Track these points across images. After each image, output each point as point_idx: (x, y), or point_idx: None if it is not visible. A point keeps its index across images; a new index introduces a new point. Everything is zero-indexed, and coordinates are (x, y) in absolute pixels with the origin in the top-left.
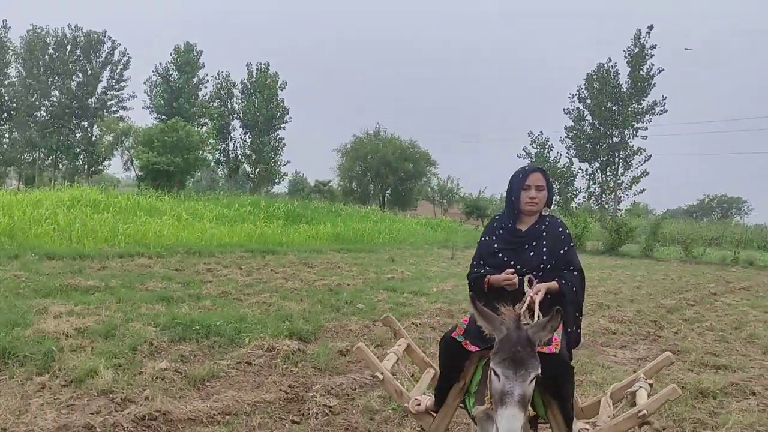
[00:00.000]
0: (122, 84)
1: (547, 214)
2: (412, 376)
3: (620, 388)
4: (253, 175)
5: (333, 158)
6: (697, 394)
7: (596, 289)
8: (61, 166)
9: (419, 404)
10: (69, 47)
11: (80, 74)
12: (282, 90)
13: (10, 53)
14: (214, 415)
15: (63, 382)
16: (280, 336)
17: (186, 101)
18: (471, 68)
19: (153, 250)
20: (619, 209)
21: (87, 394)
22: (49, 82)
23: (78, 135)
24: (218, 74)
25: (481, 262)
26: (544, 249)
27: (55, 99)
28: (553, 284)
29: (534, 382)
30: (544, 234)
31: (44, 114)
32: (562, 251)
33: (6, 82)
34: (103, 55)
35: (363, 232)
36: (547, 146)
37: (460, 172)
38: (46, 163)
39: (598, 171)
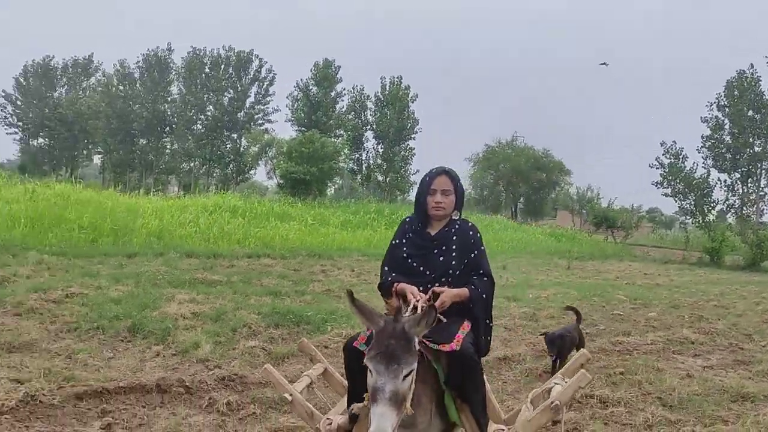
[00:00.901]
0: (267, 99)
1: (457, 218)
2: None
3: (540, 393)
4: (384, 184)
5: (465, 167)
6: (737, 398)
7: (707, 303)
8: (214, 174)
9: (330, 423)
10: (222, 66)
11: (231, 90)
12: (413, 102)
13: (173, 73)
14: None
15: (173, 351)
16: (357, 326)
17: (324, 114)
18: (605, 76)
19: (278, 252)
20: (762, 222)
21: (188, 361)
22: (205, 98)
23: (228, 146)
24: (353, 88)
25: (387, 269)
26: (454, 254)
27: (209, 113)
28: (463, 291)
29: (409, 378)
30: (454, 239)
31: (200, 127)
32: (472, 255)
33: (169, 99)
34: (252, 73)
35: (485, 241)
36: (681, 156)
37: (594, 182)
38: (201, 171)
39: (738, 182)
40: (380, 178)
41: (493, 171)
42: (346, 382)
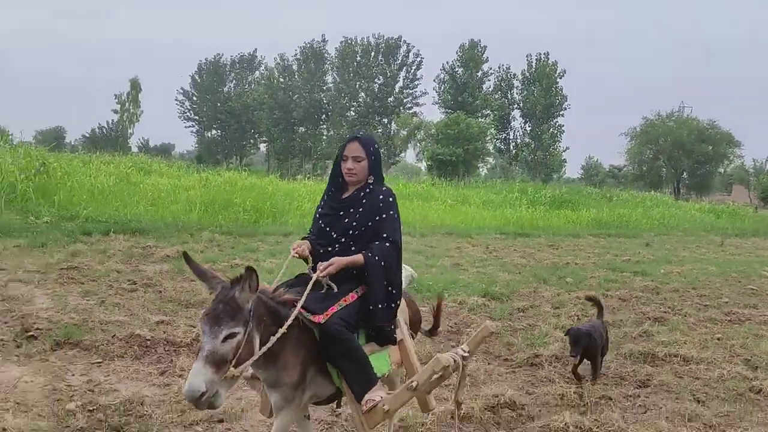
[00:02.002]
0: (415, 83)
1: (371, 182)
2: None
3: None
4: (532, 162)
5: (621, 143)
6: None
7: None
8: None
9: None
10: (372, 53)
11: (381, 77)
12: (561, 78)
13: (328, 63)
14: None
15: None
16: (473, 294)
17: (470, 95)
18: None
19: (417, 231)
20: None
21: None
22: (357, 86)
23: (379, 130)
24: (499, 67)
25: (311, 232)
26: (357, 216)
27: (361, 100)
28: (357, 257)
29: (232, 340)
30: (363, 202)
31: (353, 113)
32: (376, 218)
33: (324, 88)
34: (400, 58)
35: (629, 218)
36: None
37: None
38: None
39: None
40: (528, 156)
41: (652, 145)
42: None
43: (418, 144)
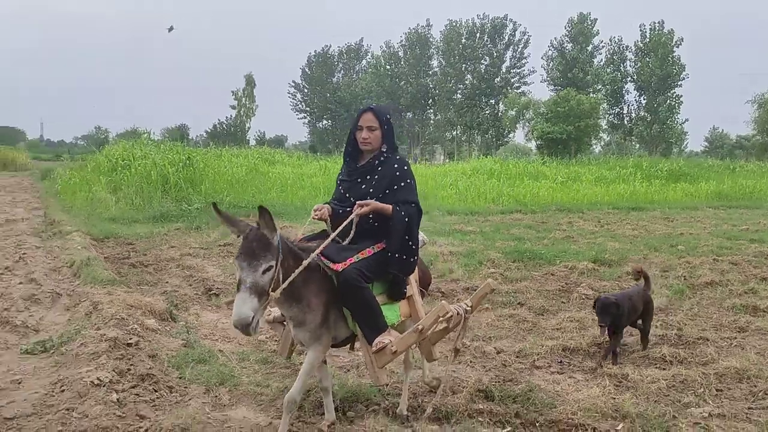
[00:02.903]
0: (523, 62)
1: (385, 151)
2: None
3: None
4: (647, 136)
5: (748, 110)
6: None
7: None
8: (475, 140)
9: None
10: (478, 35)
11: (487, 58)
12: (678, 47)
13: (433, 48)
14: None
15: (435, 275)
16: (583, 260)
17: (580, 70)
18: None
19: (528, 208)
20: None
21: (444, 280)
22: (463, 68)
23: (487, 112)
24: (610, 40)
25: (333, 198)
26: (374, 183)
27: (467, 82)
28: (387, 206)
29: (270, 272)
30: (379, 169)
31: (459, 96)
32: (395, 187)
33: (430, 72)
34: (506, 38)
35: (753, 189)
36: None
37: None
38: (463, 139)
39: None
40: (644, 131)
41: None
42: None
43: (527, 123)
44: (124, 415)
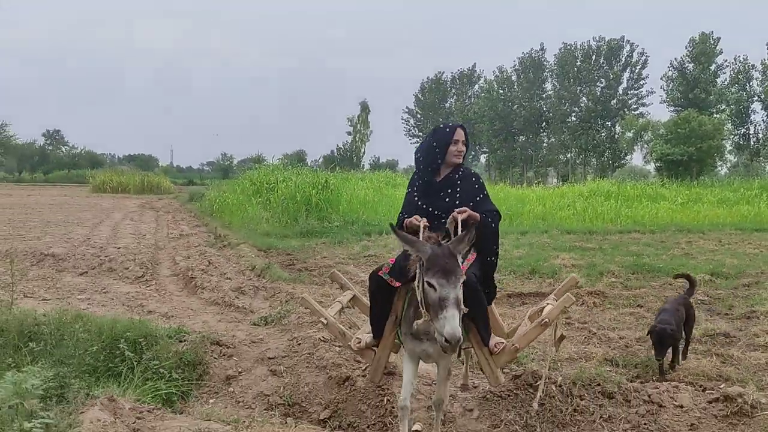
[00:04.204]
0: (641, 83)
1: (461, 165)
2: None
3: (536, 311)
4: None
5: None
6: None
7: None
8: (590, 163)
9: (360, 341)
10: (593, 57)
11: (603, 80)
12: None
13: (547, 71)
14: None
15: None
16: (701, 273)
17: (702, 90)
18: None
19: (647, 228)
20: None
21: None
22: (578, 91)
23: (602, 134)
24: (735, 59)
25: (405, 215)
26: (458, 195)
27: (582, 105)
28: (476, 214)
29: (461, 286)
30: (459, 182)
31: (574, 119)
32: (478, 198)
33: (544, 95)
34: (623, 59)
35: None
36: None
37: None
38: (577, 161)
39: None
40: None
41: None
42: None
43: (646, 145)
44: (347, 360)
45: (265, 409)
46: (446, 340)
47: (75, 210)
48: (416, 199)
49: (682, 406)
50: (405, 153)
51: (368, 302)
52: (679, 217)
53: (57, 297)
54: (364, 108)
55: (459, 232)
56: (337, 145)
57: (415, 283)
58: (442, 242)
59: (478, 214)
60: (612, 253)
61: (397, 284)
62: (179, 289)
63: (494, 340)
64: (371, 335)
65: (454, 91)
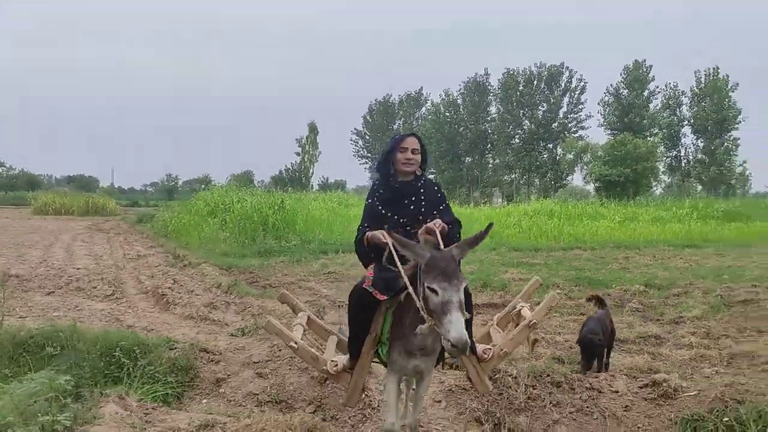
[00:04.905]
0: (580, 107)
1: (421, 174)
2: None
3: (503, 316)
4: (705, 178)
5: None
6: None
7: None
8: (533, 183)
9: (336, 364)
10: (535, 82)
11: (544, 104)
12: (733, 91)
13: (491, 95)
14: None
15: (508, 293)
16: (636, 284)
17: (636, 115)
18: None
19: (588, 245)
20: None
21: (509, 294)
22: (521, 114)
23: (545, 156)
24: (666, 86)
25: (366, 224)
26: (423, 202)
27: (525, 127)
28: (444, 226)
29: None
30: (422, 190)
31: (518, 141)
32: (441, 207)
33: (489, 118)
34: (563, 84)
35: None
36: None
37: None
38: (521, 181)
39: None
40: (701, 173)
41: None
42: (327, 327)
43: (585, 166)
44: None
45: (255, 406)
46: (453, 345)
47: (21, 232)
48: (380, 207)
49: (617, 392)
50: (354, 174)
51: (323, 323)
52: (617, 234)
53: (33, 315)
54: (313, 129)
55: (441, 244)
56: (285, 166)
57: (412, 291)
58: (441, 247)
59: (445, 225)
60: (556, 267)
61: (383, 297)
62: (151, 305)
63: (481, 346)
64: (347, 356)
65: (401, 113)
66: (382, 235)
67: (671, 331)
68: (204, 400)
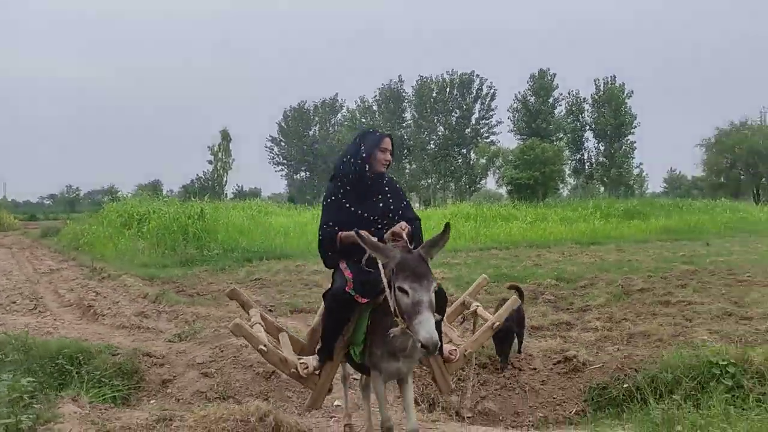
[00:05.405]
0: (491, 113)
1: (384, 173)
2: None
3: (451, 312)
4: (607, 180)
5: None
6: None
7: None
8: (449, 187)
9: (307, 367)
10: (448, 89)
11: (457, 110)
12: (629, 98)
13: (406, 102)
14: None
15: None
16: (547, 278)
17: (543, 120)
18: None
19: (503, 245)
20: None
21: None
22: (435, 120)
23: (459, 161)
24: (569, 93)
25: (331, 222)
26: (390, 200)
27: (440, 133)
28: (408, 226)
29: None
30: (386, 189)
31: (433, 147)
32: (403, 204)
33: (404, 125)
34: (474, 91)
35: (696, 223)
36: None
37: None
38: (438, 186)
39: None
40: (603, 175)
41: (727, 155)
42: (278, 324)
43: (498, 171)
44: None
45: (204, 403)
46: (423, 345)
47: None
48: (348, 205)
49: (535, 369)
50: (268, 181)
51: (275, 321)
52: (529, 234)
53: None
54: (225, 136)
55: (410, 246)
56: (197, 174)
57: (389, 293)
58: (411, 248)
59: (409, 226)
60: (475, 266)
61: (364, 301)
62: (77, 317)
63: (447, 346)
64: (317, 358)
65: (317, 119)
66: (355, 234)
67: (579, 317)
68: (152, 401)
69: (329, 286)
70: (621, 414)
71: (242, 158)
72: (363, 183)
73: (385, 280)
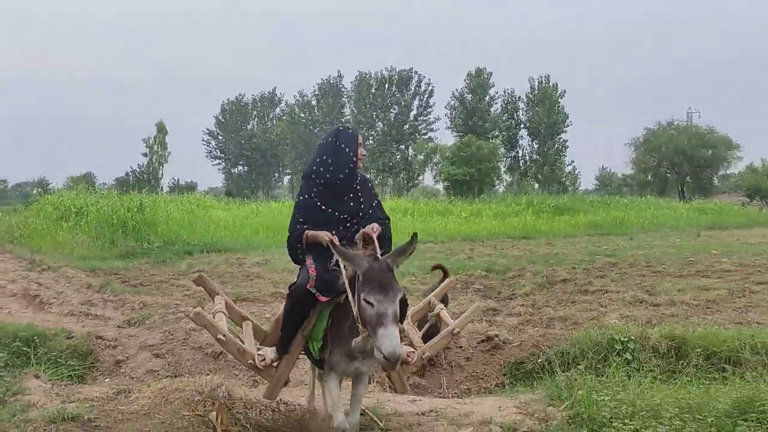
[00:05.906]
0: (428, 110)
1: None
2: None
3: (416, 312)
4: (541, 177)
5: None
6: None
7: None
8: (387, 183)
9: (264, 359)
10: (386, 85)
11: (396, 106)
12: (562, 98)
13: (345, 97)
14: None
15: None
16: (478, 270)
17: (480, 118)
18: None
19: (438, 239)
20: None
21: None
22: (374, 116)
23: (398, 157)
24: (504, 91)
25: (301, 220)
26: (361, 199)
27: (378, 129)
28: (379, 228)
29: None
30: (357, 187)
31: (372, 142)
32: (374, 203)
33: (343, 120)
34: (412, 88)
35: (623, 219)
36: None
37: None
38: (377, 181)
39: None
40: (537, 172)
41: (655, 153)
42: (243, 313)
43: (435, 167)
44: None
45: (157, 380)
46: (385, 358)
47: None
48: (319, 204)
49: (461, 347)
50: (204, 175)
51: (240, 309)
52: (464, 228)
53: None
54: (161, 129)
55: (379, 252)
56: (131, 167)
57: (351, 298)
58: (379, 256)
59: (379, 228)
60: (411, 259)
61: (324, 299)
62: (23, 307)
63: (406, 348)
64: (273, 350)
65: (255, 113)
66: (326, 238)
67: (506, 305)
68: (107, 380)
69: (295, 279)
70: (534, 384)
71: (177, 151)
72: (337, 182)
73: (347, 284)
